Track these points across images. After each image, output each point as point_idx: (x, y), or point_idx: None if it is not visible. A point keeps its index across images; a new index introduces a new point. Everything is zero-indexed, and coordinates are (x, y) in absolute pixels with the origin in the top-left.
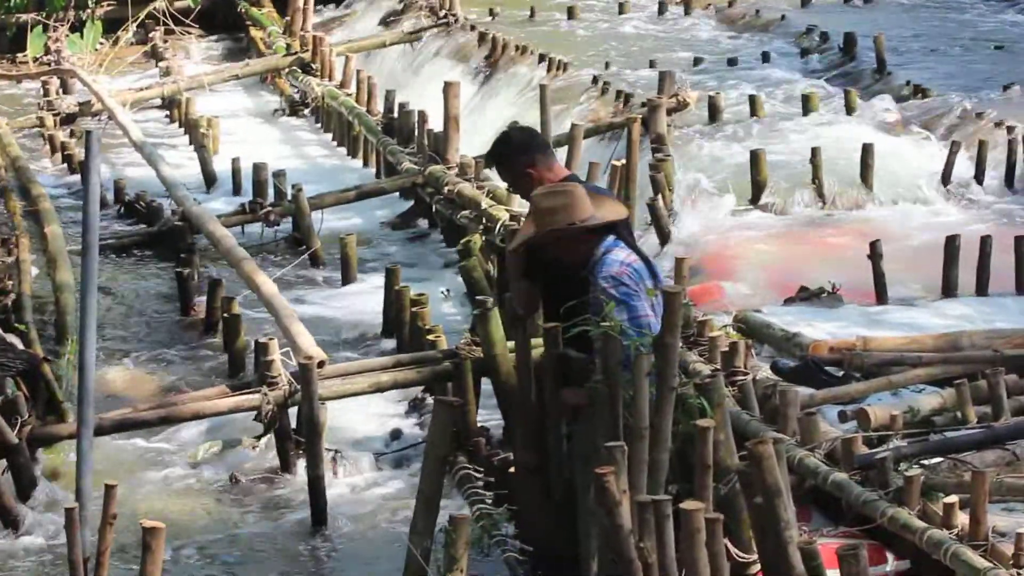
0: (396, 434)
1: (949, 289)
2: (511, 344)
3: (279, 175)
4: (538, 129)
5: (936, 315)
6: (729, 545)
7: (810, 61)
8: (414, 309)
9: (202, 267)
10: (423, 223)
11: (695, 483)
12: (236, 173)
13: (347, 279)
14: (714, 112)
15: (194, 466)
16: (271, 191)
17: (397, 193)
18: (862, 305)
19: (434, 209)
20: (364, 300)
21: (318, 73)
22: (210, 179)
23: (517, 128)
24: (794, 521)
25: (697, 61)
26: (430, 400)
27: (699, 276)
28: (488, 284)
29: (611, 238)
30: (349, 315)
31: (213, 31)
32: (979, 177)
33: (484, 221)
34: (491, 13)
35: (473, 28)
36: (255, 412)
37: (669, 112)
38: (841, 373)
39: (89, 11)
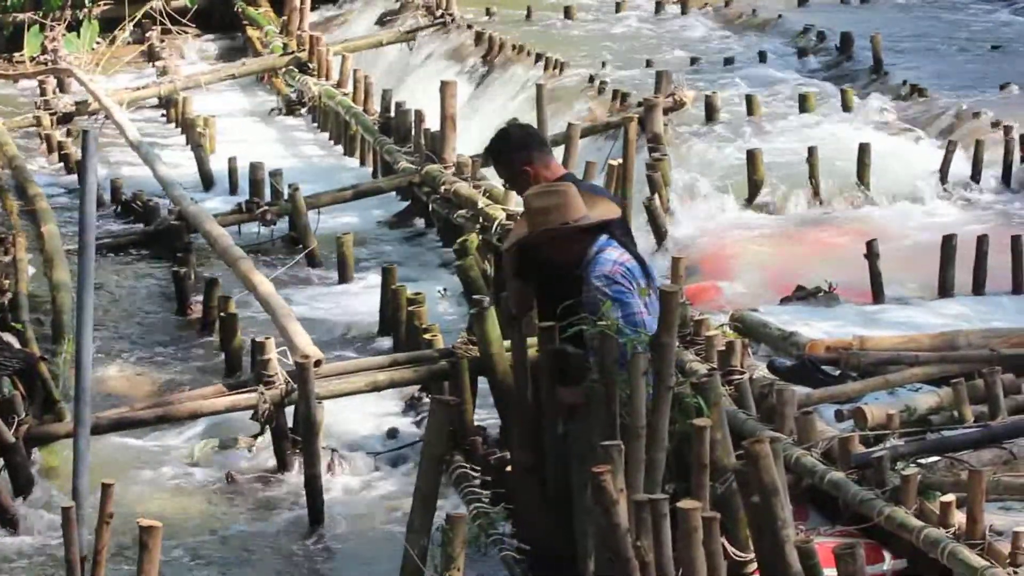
0: (393, 433)
1: (946, 288)
2: (508, 343)
3: (276, 174)
4: None
5: (933, 314)
6: (726, 544)
7: (807, 61)
8: (411, 308)
9: (199, 266)
10: (420, 222)
11: (692, 482)
12: (233, 172)
13: (344, 278)
14: (711, 112)
15: (191, 465)
16: (268, 190)
17: (394, 192)
18: (859, 304)
19: (431, 208)
20: (361, 299)
21: (315, 72)
22: (207, 178)
23: (515, 125)
24: (791, 520)
25: (694, 60)
26: (427, 399)
27: (696, 275)
28: (485, 283)
29: (604, 237)
30: (346, 314)
31: (210, 30)
32: (976, 177)
33: (480, 220)
34: (488, 12)
35: (470, 27)
36: (252, 411)
37: (666, 112)
38: (838, 372)
39: (86, 10)
